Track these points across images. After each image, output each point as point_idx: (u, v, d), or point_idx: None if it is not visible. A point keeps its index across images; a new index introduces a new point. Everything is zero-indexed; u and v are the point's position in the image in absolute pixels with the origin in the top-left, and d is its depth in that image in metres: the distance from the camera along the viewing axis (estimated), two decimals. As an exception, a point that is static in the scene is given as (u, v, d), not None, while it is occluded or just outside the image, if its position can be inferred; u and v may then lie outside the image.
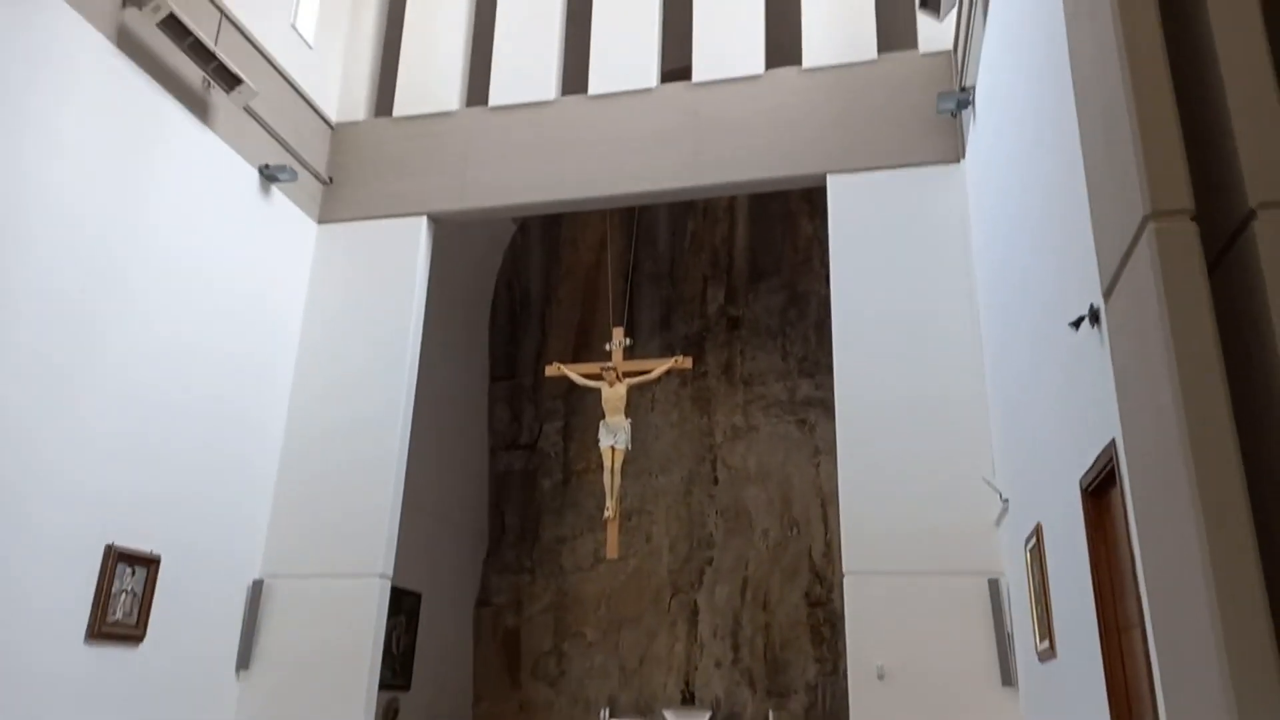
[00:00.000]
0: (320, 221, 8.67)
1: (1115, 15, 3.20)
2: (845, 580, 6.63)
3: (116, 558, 6.20)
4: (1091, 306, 3.68)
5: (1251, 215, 2.92)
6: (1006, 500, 6.01)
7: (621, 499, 8.50)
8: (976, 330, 6.92)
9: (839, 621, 10.46)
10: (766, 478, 11.13)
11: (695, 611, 10.92)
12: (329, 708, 7.05)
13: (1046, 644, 4.85)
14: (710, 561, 11.05)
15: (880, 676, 6.26)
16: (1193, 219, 2.97)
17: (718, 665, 10.63)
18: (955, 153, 7.48)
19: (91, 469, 6.09)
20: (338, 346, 8.20)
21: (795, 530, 10.85)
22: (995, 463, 6.46)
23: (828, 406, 9.28)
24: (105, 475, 6.19)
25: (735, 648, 10.66)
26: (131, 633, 6.31)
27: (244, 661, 7.29)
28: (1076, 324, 3.83)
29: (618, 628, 11.06)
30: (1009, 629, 6.05)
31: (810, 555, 10.72)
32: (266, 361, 7.92)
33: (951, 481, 6.60)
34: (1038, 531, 4.99)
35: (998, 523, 6.31)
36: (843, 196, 7.63)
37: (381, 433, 7.83)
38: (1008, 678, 6.04)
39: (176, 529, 6.76)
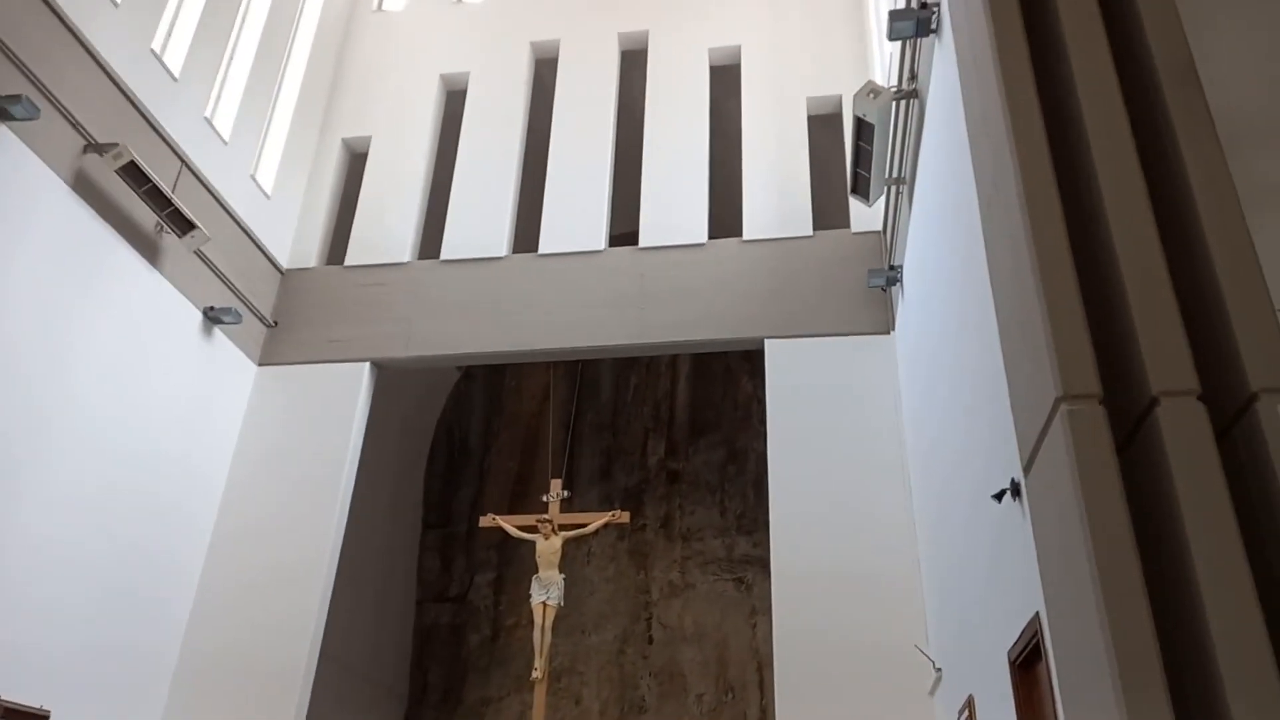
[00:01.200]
0: (261, 364, 8.64)
1: (1024, 215, 3.51)
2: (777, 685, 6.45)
3: (3, 714, 5.75)
4: (1013, 480, 3.84)
5: (1154, 402, 3.14)
6: (940, 669, 5.99)
7: (552, 658, 8.23)
8: (908, 497, 7.07)
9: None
10: (703, 637, 10.90)
11: (625, 783, 10.41)
12: None
13: None
14: (642, 727, 10.63)
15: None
16: (1101, 403, 3.17)
17: (647, 843, 10.06)
18: (886, 325, 7.85)
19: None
20: (266, 489, 8.01)
21: (731, 695, 10.56)
22: (929, 632, 6.47)
23: (765, 565, 9.25)
24: (5, 627, 5.85)
25: (666, 824, 10.13)
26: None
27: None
28: (999, 496, 3.97)
29: (542, 799, 10.44)
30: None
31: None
32: (191, 504, 7.69)
33: (886, 649, 6.57)
34: (969, 704, 4.97)
35: (932, 692, 6.25)
36: (780, 360, 7.90)
37: (304, 582, 7.56)
38: None
39: (72, 682, 6.33)
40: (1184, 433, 3.04)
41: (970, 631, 4.97)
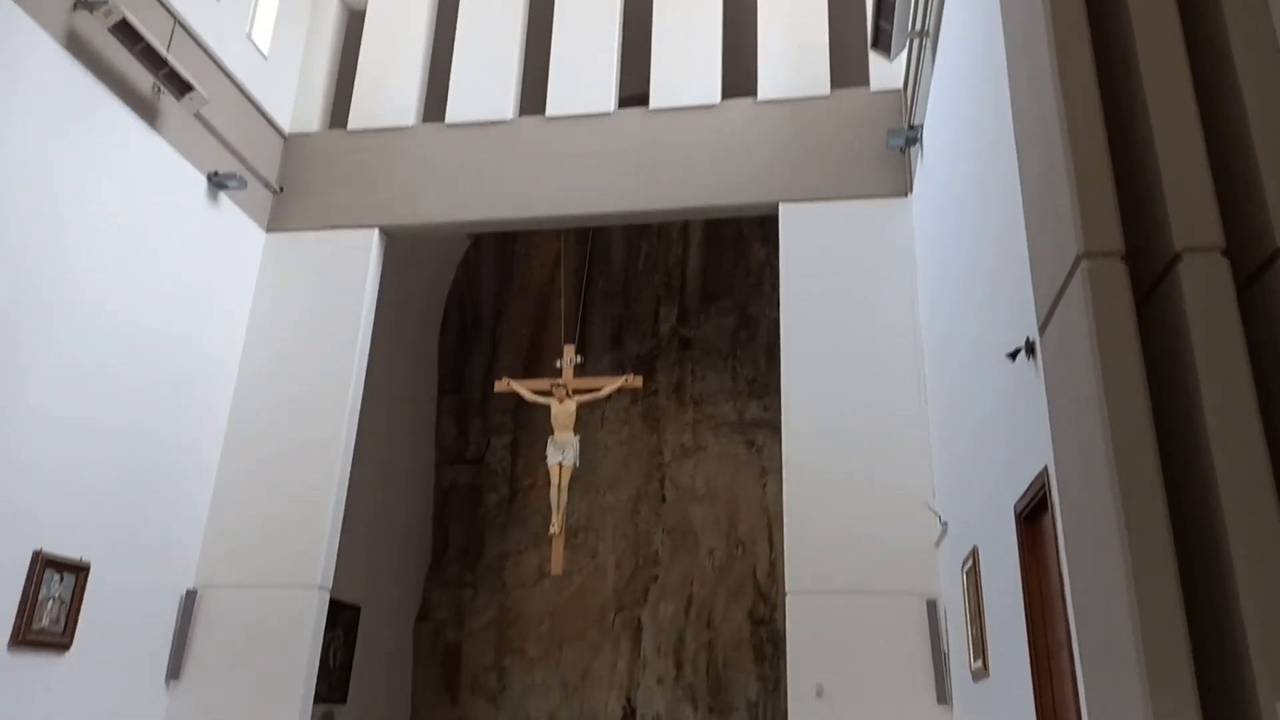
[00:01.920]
0: (269, 230, 8.59)
1: (1053, 64, 3.38)
2: (787, 600, 6.74)
3: (44, 564, 6.04)
4: (1028, 339, 3.85)
5: (1177, 258, 3.10)
6: (945, 523, 6.19)
7: (568, 516, 8.51)
8: (920, 358, 7.12)
9: (781, 641, 10.58)
10: (714, 497, 11.24)
11: (639, 629, 10.95)
12: (262, 719, 6.94)
13: (980, 663, 5.00)
14: (655, 579, 11.10)
15: (819, 694, 6.37)
16: (1123, 259, 3.14)
17: (660, 682, 10.66)
18: (903, 187, 7.71)
19: (19, 480, 5.93)
20: (283, 354, 8.11)
21: (741, 550, 10.97)
22: (935, 486, 6.65)
23: (776, 428, 9.43)
24: (34, 486, 6.04)
25: (678, 665, 10.71)
26: (57, 640, 6.15)
27: (174, 671, 7.14)
28: (1013, 355, 3.99)
29: (560, 644, 11.04)
30: (945, 649, 6.20)
31: (755, 575, 10.83)
32: (209, 371, 7.80)
33: (893, 504, 6.76)
34: (974, 554, 5.15)
35: (937, 545, 6.48)
36: (794, 225, 7.81)
37: (325, 443, 7.75)
38: (943, 696, 6.19)
39: (108, 536, 6.61)
40: (1205, 288, 3.02)
41: (977, 487, 5.10)
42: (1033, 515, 4.07)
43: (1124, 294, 3.10)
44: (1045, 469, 3.67)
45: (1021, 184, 3.88)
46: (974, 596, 5.13)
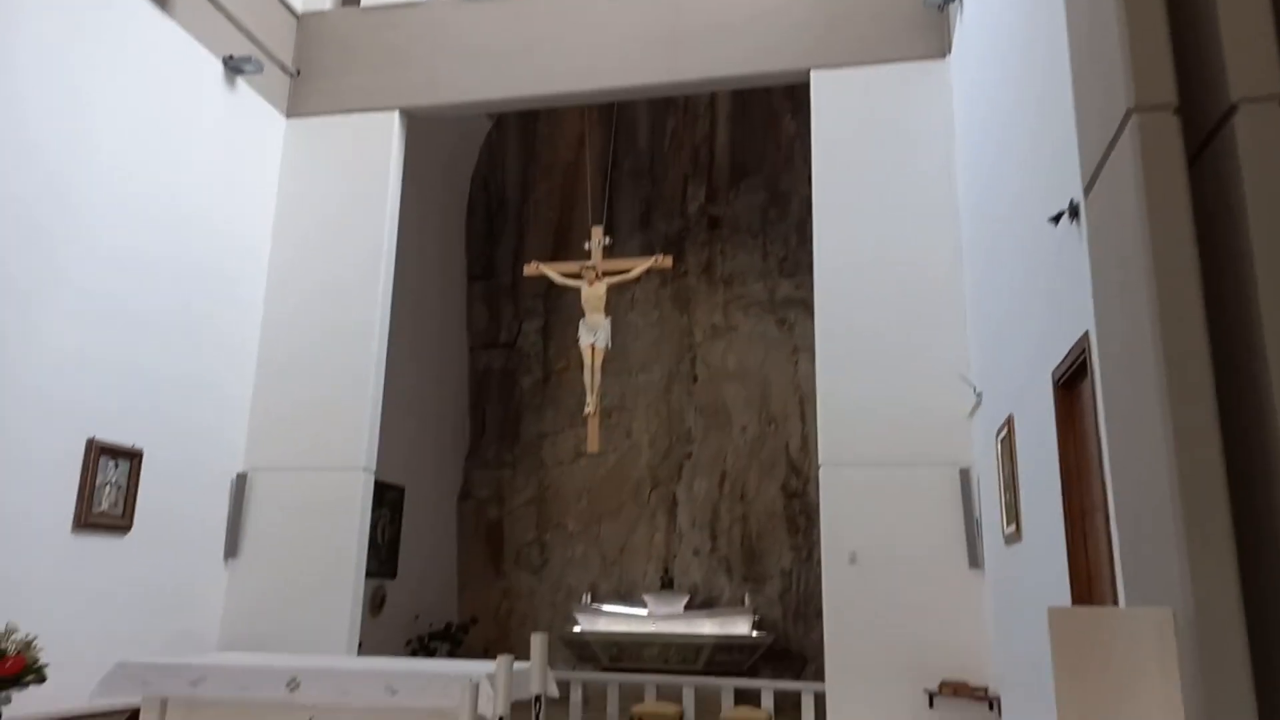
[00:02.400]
0: (289, 116, 8.46)
1: (1110, -100, 3.14)
2: (821, 471, 6.84)
3: (99, 451, 6.26)
4: (1071, 201, 3.73)
5: (1233, 109, 2.95)
6: (980, 393, 6.18)
7: (602, 396, 8.60)
8: (956, 226, 6.96)
9: (814, 512, 10.82)
10: (745, 376, 11.30)
11: (674, 504, 11.23)
12: (318, 594, 7.27)
13: (1013, 528, 5.07)
14: (689, 456, 11.31)
15: (853, 561, 6.53)
16: (1175, 112, 2.99)
17: (696, 554, 11.01)
18: (942, 48, 7.37)
19: (71, 370, 6.10)
20: (313, 240, 8.11)
21: (773, 426, 11.09)
22: (970, 356, 6.61)
23: (807, 306, 9.38)
24: (85, 375, 6.20)
25: (713, 537, 11.02)
26: (118, 523, 6.43)
27: (232, 550, 7.47)
28: (1056, 219, 3.88)
29: (598, 519, 11.38)
30: (977, 515, 6.30)
31: (787, 450, 10.99)
32: (241, 257, 7.84)
33: (926, 375, 6.75)
34: (1009, 422, 5.16)
35: (970, 414, 6.49)
36: (826, 93, 7.53)
37: (360, 329, 7.83)
38: (975, 560, 6.32)
39: (159, 424, 6.81)
40: (1263, 140, 2.88)
41: (1013, 355, 5.06)
42: (1070, 382, 4.04)
43: (1176, 149, 2.96)
44: (1085, 335, 3.61)
45: (1069, 35, 3.68)
46: (1008, 463, 5.16)
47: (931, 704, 6.16)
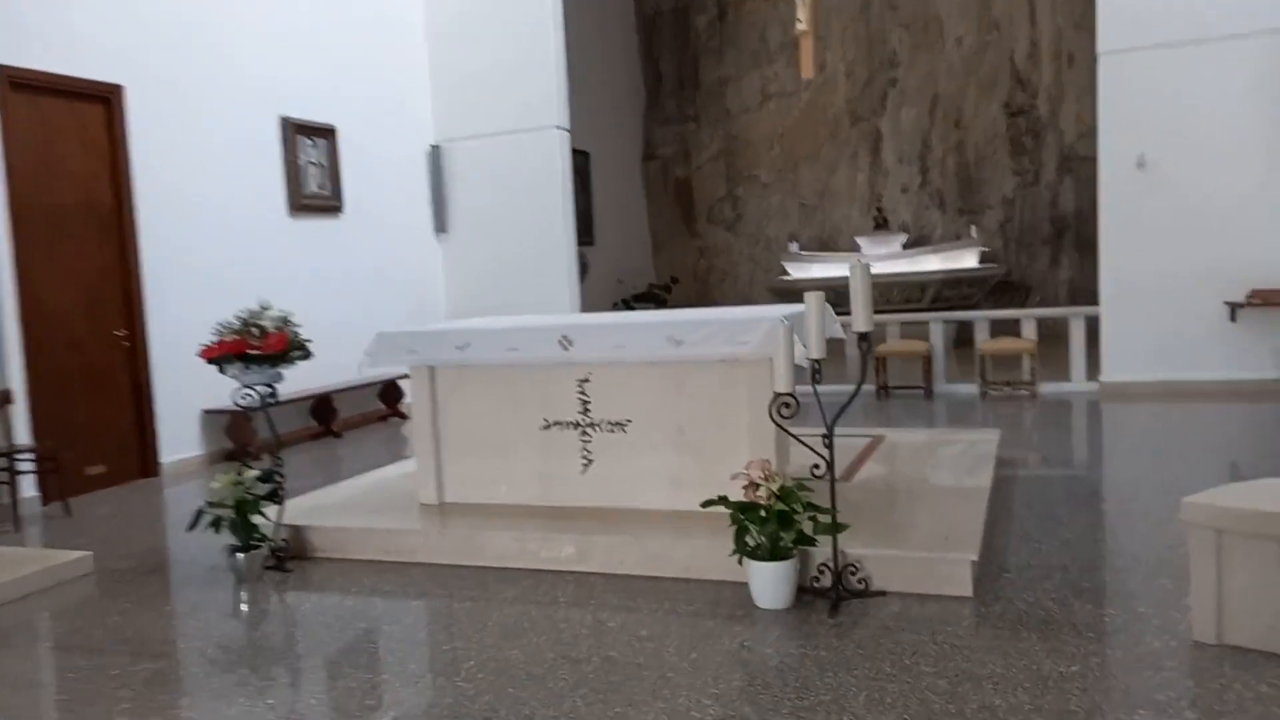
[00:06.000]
0: None
1: None
2: (1100, 63, 5.65)
3: (294, 130, 5.93)
4: None
5: None
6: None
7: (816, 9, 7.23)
8: None
9: (1043, 130, 9.55)
10: (959, -25, 9.60)
11: (878, 139, 10.19)
12: (534, 260, 7.08)
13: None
14: (894, 83, 10.03)
15: (1140, 165, 5.54)
16: None
17: (904, 191, 10.12)
18: None
19: (258, 56, 5.72)
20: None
21: (995, 33, 9.53)
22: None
23: None
24: (271, 59, 5.82)
25: (923, 171, 10.04)
26: (329, 203, 6.25)
27: (441, 224, 7.28)
28: None
29: (794, 166, 10.56)
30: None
31: (1012, 60, 9.51)
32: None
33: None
34: None
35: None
36: None
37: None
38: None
39: (345, 101, 6.39)
40: None
41: None
42: None
43: None
44: None
45: None
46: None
47: (1234, 317, 5.40)
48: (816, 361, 2.67)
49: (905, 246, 9.43)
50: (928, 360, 6.15)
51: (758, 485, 2.57)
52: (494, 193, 7.13)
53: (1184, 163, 5.48)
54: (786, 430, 2.56)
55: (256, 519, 3.22)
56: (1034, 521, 3.30)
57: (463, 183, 7.23)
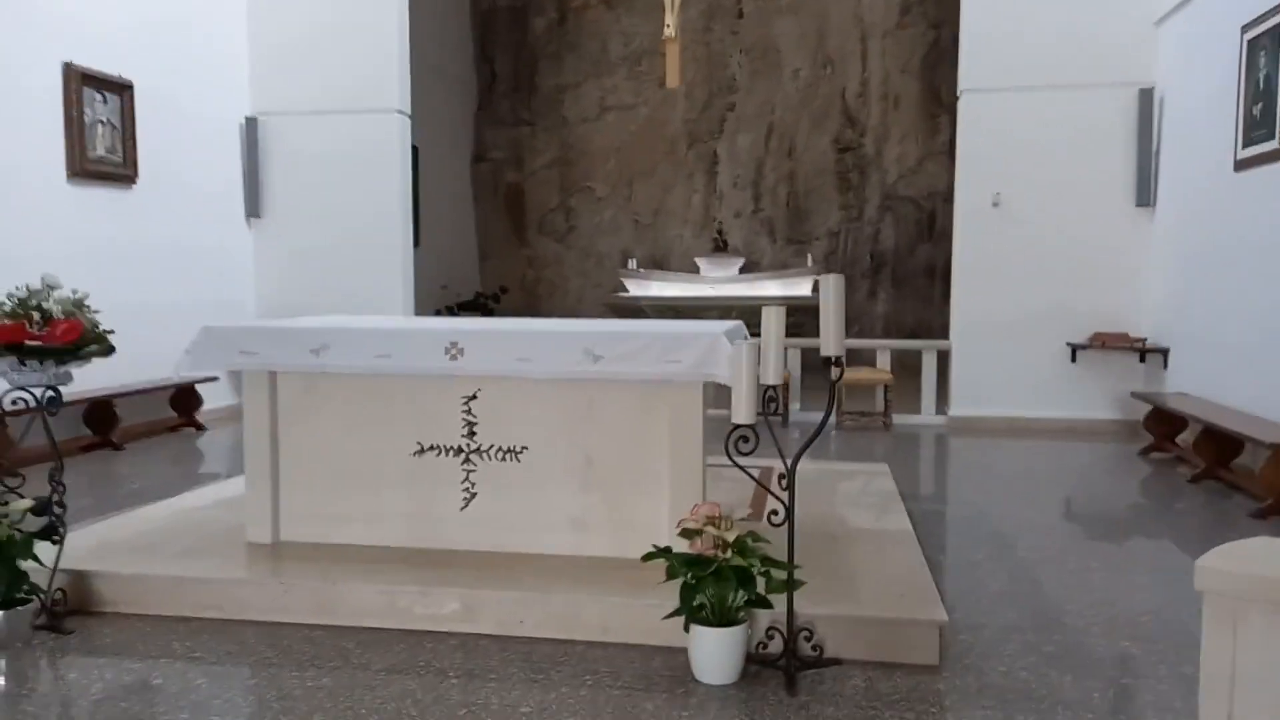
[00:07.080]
0: None
1: None
2: (961, 100, 5.75)
3: (80, 80, 4.92)
4: None
5: None
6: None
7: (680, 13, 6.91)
8: None
9: (868, 167, 9.84)
10: (799, 8, 9.74)
11: (715, 161, 10.14)
12: (359, 257, 6.35)
13: (1262, 146, 4.13)
14: (732, 108, 10.03)
15: (996, 204, 5.65)
16: None
17: (737, 215, 10.12)
18: None
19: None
20: None
21: (829, 69, 9.74)
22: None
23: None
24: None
25: (756, 198, 10.08)
26: (119, 171, 5.25)
27: (253, 208, 6.37)
28: None
29: (629, 181, 10.31)
30: (1155, 145, 5.35)
31: (844, 97, 9.75)
32: None
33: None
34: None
35: (1159, 22, 5.32)
36: None
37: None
38: (1145, 198, 5.47)
39: (146, 52, 5.41)
40: None
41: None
42: None
43: None
44: None
45: None
46: (1260, 71, 4.11)
47: (1074, 358, 5.60)
48: (772, 388, 2.30)
49: (740, 271, 9.40)
50: (785, 387, 6.00)
51: (714, 536, 2.15)
52: (319, 178, 6.34)
53: (1037, 204, 5.66)
54: (744, 469, 2.17)
55: (26, 563, 2.44)
56: (959, 570, 3.10)
57: (282, 163, 6.37)
